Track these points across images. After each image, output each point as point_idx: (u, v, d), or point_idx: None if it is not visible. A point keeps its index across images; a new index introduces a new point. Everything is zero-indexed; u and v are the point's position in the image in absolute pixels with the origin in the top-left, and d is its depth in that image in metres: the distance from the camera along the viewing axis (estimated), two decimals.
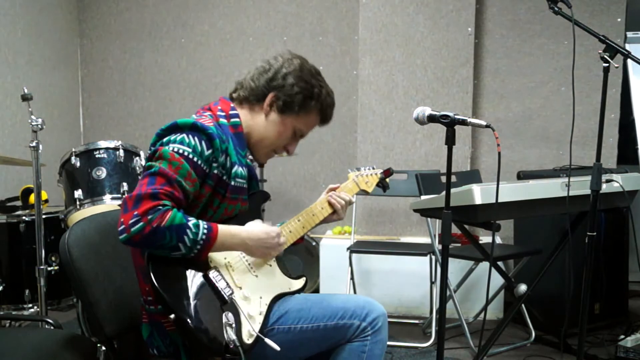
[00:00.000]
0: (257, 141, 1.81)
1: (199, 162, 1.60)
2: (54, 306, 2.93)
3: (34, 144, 2.58)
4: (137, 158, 2.96)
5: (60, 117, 4.42)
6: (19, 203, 3.32)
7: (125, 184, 2.84)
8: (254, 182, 1.85)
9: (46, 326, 2.09)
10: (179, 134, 1.62)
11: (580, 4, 3.86)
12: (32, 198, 3.08)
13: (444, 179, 2.60)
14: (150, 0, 4.56)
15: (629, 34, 3.69)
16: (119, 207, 2.71)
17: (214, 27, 4.50)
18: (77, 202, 2.78)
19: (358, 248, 3.43)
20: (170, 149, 1.59)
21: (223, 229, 1.60)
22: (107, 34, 4.63)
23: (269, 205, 3.06)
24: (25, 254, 2.89)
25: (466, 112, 3.95)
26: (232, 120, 1.76)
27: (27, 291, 2.88)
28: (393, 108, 4.00)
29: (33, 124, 2.56)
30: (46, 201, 3.29)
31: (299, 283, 1.82)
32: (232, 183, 1.68)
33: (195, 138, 1.61)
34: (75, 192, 2.79)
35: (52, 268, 2.83)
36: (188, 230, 1.52)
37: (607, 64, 2.10)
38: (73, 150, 2.87)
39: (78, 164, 2.84)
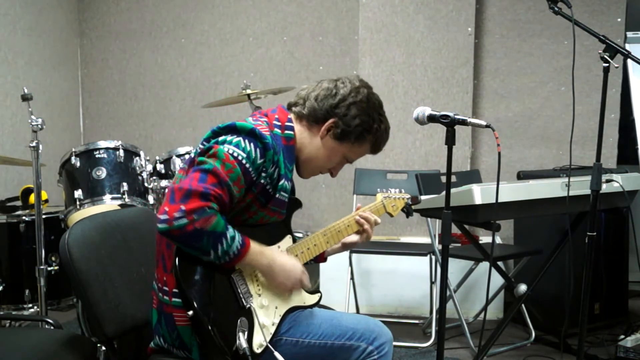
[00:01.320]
0: (306, 159, 1.80)
1: (250, 169, 1.59)
2: (54, 306, 2.93)
3: (34, 144, 2.58)
4: (137, 158, 2.96)
5: (60, 117, 4.42)
6: (19, 203, 3.32)
7: (125, 184, 2.84)
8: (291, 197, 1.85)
9: (46, 326, 2.10)
10: (235, 137, 1.61)
11: (580, 4, 3.86)
12: (32, 198, 3.07)
13: (444, 179, 2.60)
14: (150, 0, 4.56)
15: (629, 34, 3.68)
16: (119, 207, 2.74)
17: (214, 27, 4.50)
18: (77, 202, 2.78)
19: (358, 248, 3.42)
20: (226, 149, 1.57)
21: (254, 248, 1.60)
22: (107, 34, 4.63)
23: None
24: (25, 254, 2.88)
25: (466, 112, 3.96)
26: (286, 132, 1.74)
27: (27, 291, 2.88)
28: (393, 108, 4.00)
29: (33, 124, 2.56)
30: (46, 201, 3.29)
31: (313, 298, 1.81)
32: (277, 195, 1.68)
33: (252, 144, 1.60)
34: (75, 192, 2.79)
35: (52, 268, 2.83)
36: (224, 240, 1.52)
37: (607, 64, 2.10)
38: (73, 150, 2.87)
39: (78, 164, 2.84)
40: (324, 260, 2.00)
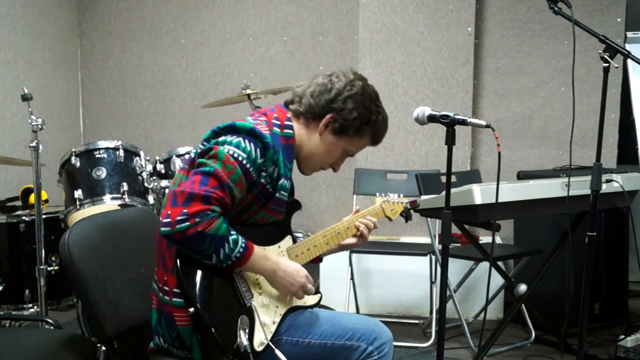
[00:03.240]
0: (307, 156, 1.80)
1: (251, 169, 1.59)
2: (54, 306, 2.93)
3: (34, 144, 2.58)
4: (137, 158, 2.96)
5: (60, 117, 4.42)
6: (19, 203, 3.32)
7: (125, 184, 2.84)
8: (291, 196, 1.84)
9: (46, 326, 2.10)
10: (235, 137, 1.61)
11: (580, 4, 3.86)
12: (32, 198, 3.07)
13: (444, 179, 2.60)
14: (150, 0, 4.56)
15: (629, 34, 3.68)
16: (119, 207, 2.74)
17: (214, 27, 4.50)
18: (77, 202, 2.78)
19: (358, 248, 3.42)
20: (226, 150, 1.57)
21: (258, 252, 1.60)
22: (107, 34, 4.63)
23: None
24: (25, 254, 2.88)
25: (466, 112, 3.95)
26: (286, 131, 1.74)
27: (27, 291, 2.88)
28: (393, 108, 4.00)
29: (33, 124, 2.56)
30: (46, 201, 3.29)
31: (314, 299, 1.81)
32: (277, 195, 1.68)
33: (252, 144, 1.60)
34: (75, 192, 2.79)
35: (52, 268, 2.83)
36: (226, 244, 1.52)
37: (607, 64, 2.10)
38: (73, 150, 2.87)
39: (78, 164, 2.84)
40: (320, 260, 1.99)
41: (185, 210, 1.47)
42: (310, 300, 1.80)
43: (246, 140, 1.60)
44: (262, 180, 1.63)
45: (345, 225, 1.91)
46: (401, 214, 2.05)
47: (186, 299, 1.54)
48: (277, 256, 1.68)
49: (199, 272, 1.56)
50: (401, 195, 2.06)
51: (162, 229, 1.48)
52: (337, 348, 1.70)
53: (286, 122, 1.75)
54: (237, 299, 1.60)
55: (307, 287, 1.70)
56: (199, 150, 1.64)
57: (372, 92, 1.79)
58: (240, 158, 1.57)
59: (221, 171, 1.54)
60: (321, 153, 1.80)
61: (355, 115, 1.74)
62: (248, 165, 1.58)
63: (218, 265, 1.55)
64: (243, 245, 1.56)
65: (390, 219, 2.03)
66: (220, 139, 1.62)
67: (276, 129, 1.73)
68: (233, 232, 1.55)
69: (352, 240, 1.95)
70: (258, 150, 1.60)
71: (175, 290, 1.60)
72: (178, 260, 1.54)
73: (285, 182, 1.70)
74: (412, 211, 2.07)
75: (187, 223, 1.46)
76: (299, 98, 1.79)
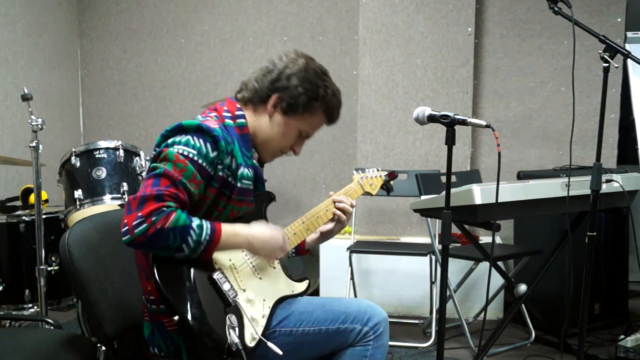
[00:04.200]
0: (263, 142, 1.79)
1: (204, 164, 1.59)
2: (54, 306, 2.93)
3: (34, 144, 2.58)
4: (137, 158, 2.96)
5: (60, 117, 4.42)
6: (19, 203, 3.32)
7: (125, 184, 2.84)
8: (260, 184, 1.83)
9: (46, 326, 2.09)
10: (184, 136, 1.61)
11: (580, 4, 3.86)
12: (32, 198, 3.08)
13: (444, 179, 2.60)
14: (150, 0, 4.56)
15: (629, 34, 3.68)
16: (119, 207, 2.74)
17: (214, 27, 4.50)
18: (77, 202, 2.78)
19: (358, 248, 3.43)
20: (175, 150, 1.58)
21: (227, 229, 1.60)
22: (107, 34, 4.63)
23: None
24: (25, 254, 2.88)
25: (466, 112, 3.95)
26: (238, 121, 1.75)
27: (27, 291, 2.88)
28: (393, 108, 4.00)
29: (33, 124, 2.56)
30: (46, 201, 3.29)
31: (302, 286, 1.82)
32: (239, 185, 1.67)
33: (200, 140, 1.60)
34: (75, 192, 2.79)
35: (52, 268, 2.83)
36: (192, 231, 1.52)
37: (607, 64, 2.10)
38: (73, 150, 2.87)
39: (78, 164, 2.84)
40: (305, 252, 1.98)
41: (139, 214, 1.47)
42: (298, 288, 1.80)
43: (194, 137, 1.60)
44: (221, 173, 1.63)
45: (324, 208, 1.89)
46: (382, 187, 2.04)
47: (168, 306, 1.53)
48: (246, 227, 1.66)
49: (179, 279, 1.56)
50: (379, 169, 2.05)
51: (123, 238, 1.48)
52: (332, 333, 1.70)
53: (237, 112, 1.76)
54: (221, 300, 1.59)
55: (285, 245, 1.71)
56: (152, 157, 1.64)
57: (317, 67, 1.79)
58: (190, 155, 1.57)
59: (172, 170, 1.54)
60: (276, 136, 1.78)
61: (301, 91, 1.73)
62: (200, 161, 1.58)
63: (192, 254, 1.54)
64: (209, 227, 1.56)
65: (370, 194, 2.02)
66: (170, 140, 1.62)
67: (228, 121, 1.73)
68: (195, 219, 1.54)
69: (331, 225, 1.91)
70: (208, 144, 1.60)
71: (161, 298, 1.60)
72: (155, 269, 1.54)
73: (246, 171, 1.69)
74: (391, 183, 2.06)
75: (145, 225, 1.46)
76: (245, 85, 1.80)
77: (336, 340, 1.72)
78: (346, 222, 1.92)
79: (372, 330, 1.71)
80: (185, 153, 1.58)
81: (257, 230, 1.67)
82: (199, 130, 1.62)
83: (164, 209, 1.49)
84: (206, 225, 1.56)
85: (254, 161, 1.79)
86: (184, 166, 1.56)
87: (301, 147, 1.85)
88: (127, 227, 1.47)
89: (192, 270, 1.58)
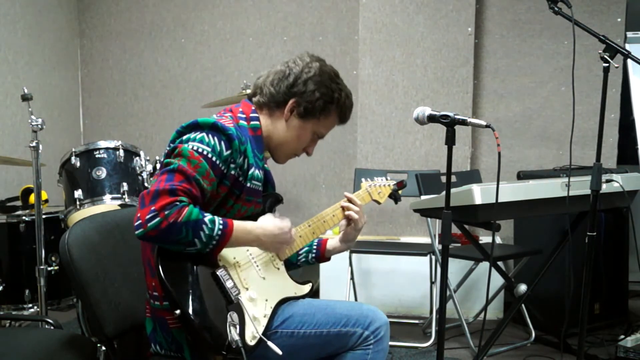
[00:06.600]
0: (278, 145, 1.82)
1: (218, 162, 1.60)
2: (54, 306, 2.93)
3: (34, 144, 2.58)
4: (137, 158, 2.96)
5: (60, 117, 4.41)
6: (19, 203, 3.32)
7: (125, 184, 2.83)
8: (270, 187, 1.85)
9: (46, 326, 2.10)
10: (199, 133, 1.63)
11: (580, 4, 3.86)
12: (32, 198, 3.07)
13: (444, 179, 2.60)
14: (150, 0, 4.56)
15: (629, 34, 3.69)
16: (119, 207, 2.74)
17: (214, 27, 4.50)
18: (77, 202, 2.78)
19: (358, 248, 3.43)
20: (190, 147, 1.59)
21: (238, 225, 1.61)
22: (107, 34, 4.63)
23: None
24: (25, 254, 2.88)
25: (466, 112, 3.95)
26: (252, 123, 1.77)
27: (27, 291, 2.87)
28: (393, 108, 4.00)
29: (33, 124, 2.56)
30: (46, 201, 3.29)
31: (305, 288, 1.82)
32: (248, 185, 1.69)
33: (215, 138, 1.61)
34: (75, 192, 2.79)
35: (52, 268, 2.83)
36: (204, 226, 1.53)
37: (607, 64, 2.10)
38: (73, 150, 2.87)
39: (78, 164, 2.84)
40: (327, 259, 1.99)
41: (153, 207, 1.48)
42: (301, 290, 1.81)
43: (209, 135, 1.62)
44: (233, 172, 1.65)
45: (331, 212, 1.89)
46: (390, 196, 2.05)
47: (170, 301, 1.54)
48: (255, 225, 1.67)
49: (183, 274, 1.56)
50: (388, 178, 2.06)
51: (136, 231, 1.49)
52: (333, 336, 1.71)
53: (252, 115, 1.78)
54: (224, 297, 1.59)
55: (292, 239, 1.74)
56: (166, 152, 1.66)
57: (330, 71, 1.81)
58: (205, 152, 1.59)
59: (186, 166, 1.56)
60: (291, 139, 1.81)
61: (318, 96, 1.76)
62: (214, 159, 1.60)
63: (204, 249, 1.55)
64: (221, 222, 1.57)
65: (378, 203, 2.02)
66: (184, 137, 1.64)
67: (242, 122, 1.75)
68: (207, 214, 1.55)
69: (349, 229, 1.90)
70: (222, 142, 1.62)
71: (164, 293, 1.61)
72: (159, 262, 1.54)
73: (256, 172, 1.71)
74: (399, 192, 2.06)
75: (158, 218, 1.47)
76: (260, 89, 1.81)
77: (337, 343, 1.72)
78: (359, 227, 1.91)
79: (373, 335, 1.72)
80: (200, 150, 1.59)
81: (267, 226, 1.68)
82: (214, 128, 1.63)
83: (177, 203, 1.50)
84: (218, 220, 1.57)
85: (266, 165, 1.82)
86: (198, 163, 1.57)
87: (314, 148, 1.88)
88: (140, 221, 1.48)
89: (196, 266, 1.58)
